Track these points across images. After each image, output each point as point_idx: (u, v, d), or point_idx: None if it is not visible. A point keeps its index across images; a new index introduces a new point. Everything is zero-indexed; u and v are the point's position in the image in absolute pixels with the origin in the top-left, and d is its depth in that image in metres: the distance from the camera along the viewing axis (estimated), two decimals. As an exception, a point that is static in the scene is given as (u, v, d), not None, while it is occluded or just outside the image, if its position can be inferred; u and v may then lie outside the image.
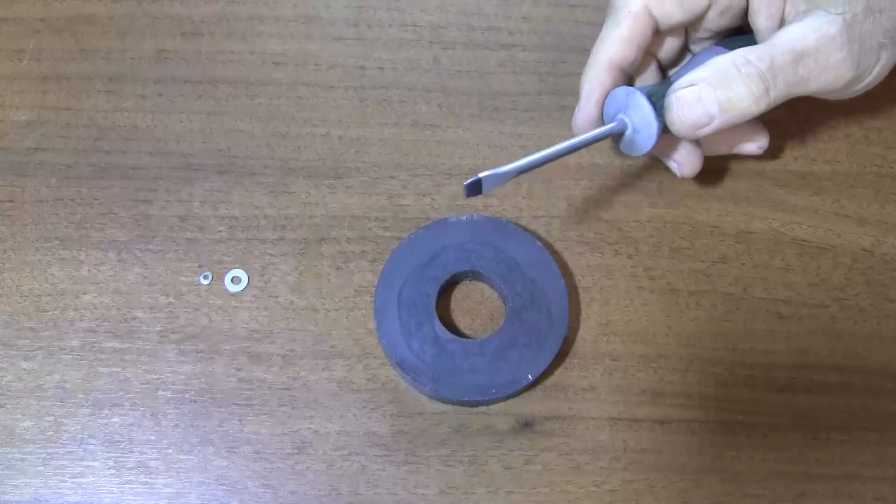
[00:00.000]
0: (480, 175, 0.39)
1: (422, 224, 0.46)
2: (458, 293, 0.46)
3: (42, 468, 0.42)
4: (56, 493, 0.42)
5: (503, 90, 0.50)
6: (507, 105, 0.50)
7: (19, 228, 0.47)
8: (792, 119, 0.49)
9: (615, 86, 0.43)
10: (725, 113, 0.39)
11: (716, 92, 0.39)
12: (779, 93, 0.40)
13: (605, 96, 0.43)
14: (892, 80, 0.43)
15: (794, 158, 0.49)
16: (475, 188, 0.40)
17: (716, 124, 0.40)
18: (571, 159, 0.48)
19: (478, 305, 0.46)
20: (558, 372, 0.44)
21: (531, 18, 0.52)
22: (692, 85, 0.40)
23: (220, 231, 0.47)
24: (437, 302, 0.44)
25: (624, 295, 0.46)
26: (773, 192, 0.48)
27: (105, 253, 0.46)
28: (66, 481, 0.42)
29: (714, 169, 0.48)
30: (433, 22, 0.52)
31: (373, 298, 0.45)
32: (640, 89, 0.41)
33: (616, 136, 0.42)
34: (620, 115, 0.42)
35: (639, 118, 0.41)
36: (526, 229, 0.46)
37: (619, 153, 0.46)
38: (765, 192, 0.48)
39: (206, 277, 0.46)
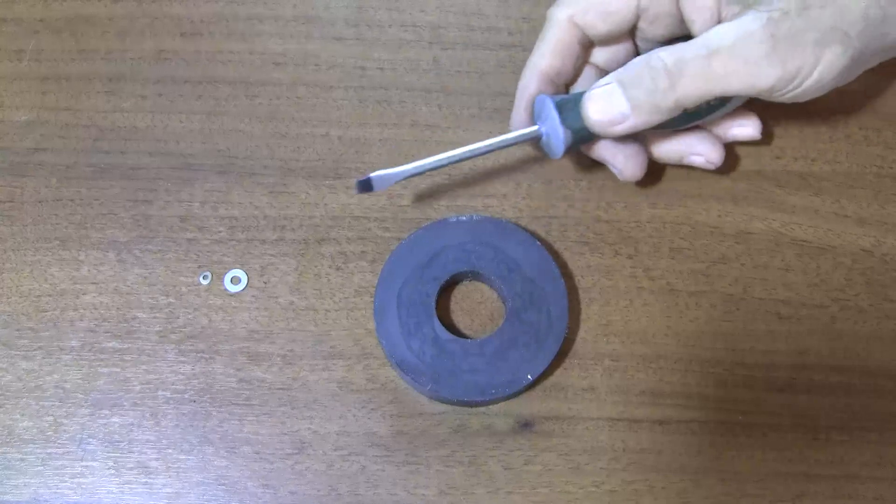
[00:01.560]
0: (371, 175, 0.43)
1: (422, 224, 0.46)
2: (458, 293, 0.46)
3: (41, 468, 0.42)
4: (55, 493, 0.42)
5: (503, 90, 0.50)
6: (507, 105, 0.50)
7: (19, 228, 0.47)
8: (792, 119, 0.49)
9: (541, 93, 0.44)
10: (637, 109, 0.40)
11: (625, 89, 0.40)
12: (688, 89, 0.39)
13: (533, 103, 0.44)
14: (892, 81, 0.43)
15: (794, 158, 0.49)
16: (366, 186, 0.43)
17: (631, 122, 0.40)
18: (571, 160, 0.48)
19: (477, 305, 0.46)
20: (558, 372, 0.44)
21: (531, 18, 0.52)
22: (607, 84, 0.40)
23: (220, 231, 0.47)
24: (437, 302, 0.44)
25: (624, 295, 0.46)
26: (772, 192, 0.48)
27: (105, 253, 0.46)
28: (65, 481, 0.42)
29: (713, 169, 0.48)
30: (433, 22, 0.52)
31: (372, 299, 0.45)
32: (553, 97, 0.43)
33: (535, 140, 0.44)
34: (538, 122, 0.44)
35: (549, 125, 0.43)
36: (526, 229, 0.46)
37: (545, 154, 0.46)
38: (765, 192, 0.48)
39: (205, 278, 0.46)
